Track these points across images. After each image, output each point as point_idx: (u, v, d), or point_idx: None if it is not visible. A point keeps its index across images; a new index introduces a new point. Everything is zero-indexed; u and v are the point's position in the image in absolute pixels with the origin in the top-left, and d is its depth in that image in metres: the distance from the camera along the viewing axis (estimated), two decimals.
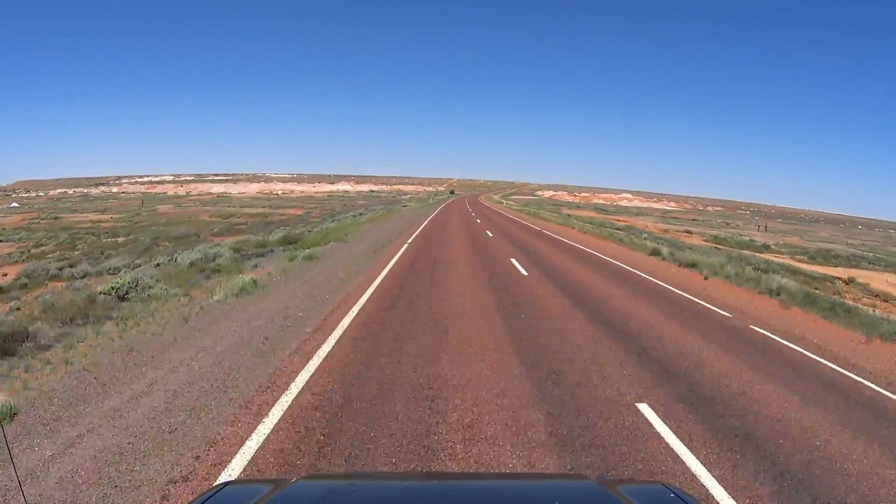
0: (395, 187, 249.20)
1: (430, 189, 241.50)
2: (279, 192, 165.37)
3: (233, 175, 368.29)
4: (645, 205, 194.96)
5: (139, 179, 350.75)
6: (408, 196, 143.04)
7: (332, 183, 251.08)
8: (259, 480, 3.09)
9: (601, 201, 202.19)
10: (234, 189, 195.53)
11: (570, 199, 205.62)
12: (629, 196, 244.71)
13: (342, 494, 1.59)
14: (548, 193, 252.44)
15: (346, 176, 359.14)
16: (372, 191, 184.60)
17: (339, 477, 2.81)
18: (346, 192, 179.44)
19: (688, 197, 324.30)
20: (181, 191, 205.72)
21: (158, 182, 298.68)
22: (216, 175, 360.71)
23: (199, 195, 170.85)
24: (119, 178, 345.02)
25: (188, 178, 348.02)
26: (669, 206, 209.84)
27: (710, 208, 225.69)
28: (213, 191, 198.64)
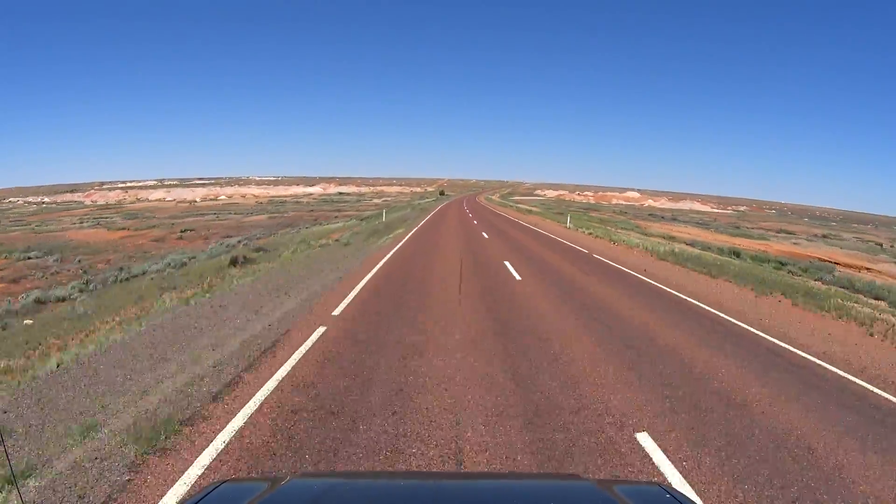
0: (379, 188, 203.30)
1: (418, 190, 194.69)
2: (197, 200, 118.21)
3: (215, 179, 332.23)
4: (678, 206, 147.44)
5: (120, 185, 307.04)
6: (380, 200, 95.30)
7: (310, 185, 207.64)
8: (255, 479, 2.88)
9: (621, 201, 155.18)
10: (175, 195, 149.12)
11: (580, 199, 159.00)
12: (638, 194, 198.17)
13: (337, 493, 1.50)
14: (550, 193, 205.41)
15: (329, 178, 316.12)
16: (341, 193, 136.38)
17: (334, 475, 2.60)
18: (311, 195, 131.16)
19: (710, 196, 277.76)
20: (127, 198, 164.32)
21: (138, 188, 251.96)
22: (200, 179, 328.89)
23: (116, 204, 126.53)
24: (102, 184, 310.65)
25: (172, 183, 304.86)
26: (695, 205, 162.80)
27: (738, 208, 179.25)
28: (151, 197, 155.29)
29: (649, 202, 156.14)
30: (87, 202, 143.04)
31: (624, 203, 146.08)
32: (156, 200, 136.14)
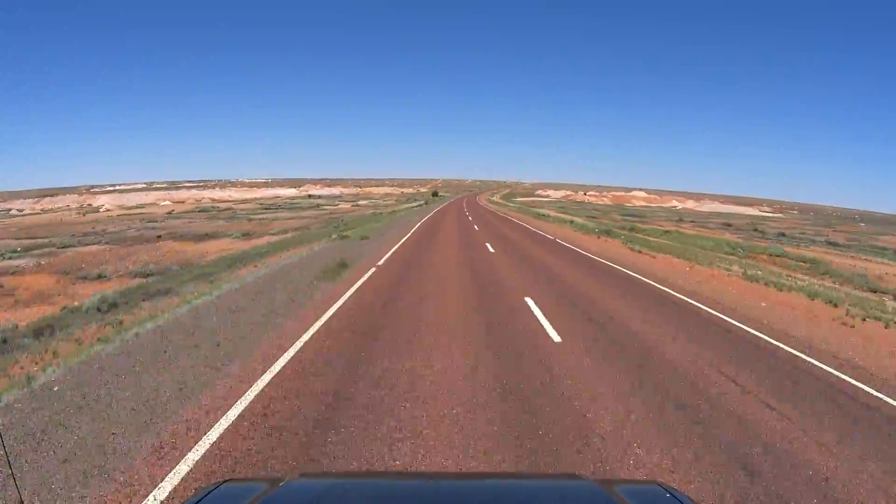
0: (367, 189, 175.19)
1: (410, 191, 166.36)
2: (102, 208, 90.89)
3: (204, 181, 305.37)
4: (709, 208, 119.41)
5: (109, 188, 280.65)
6: (349, 205, 67.09)
7: (296, 187, 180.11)
8: (256, 479, 2.68)
9: (641, 202, 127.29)
10: (122, 201, 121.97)
11: (592, 199, 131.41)
12: (645, 194, 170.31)
13: (337, 493, 1.43)
14: (554, 193, 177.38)
15: (319, 179, 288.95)
16: (311, 196, 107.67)
17: (335, 475, 2.47)
18: (278, 197, 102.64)
19: (720, 195, 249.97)
20: (71, 205, 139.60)
21: (117, 192, 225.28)
22: (189, 181, 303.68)
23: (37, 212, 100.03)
24: (91, 187, 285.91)
25: (161, 186, 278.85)
26: (716, 205, 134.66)
27: (762, 209, 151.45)
28: (95, 203, 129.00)
29: (673, 202, 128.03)
30: (14, 210, 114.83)
31: (650, 205, 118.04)
32: (96, 207, 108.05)
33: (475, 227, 24.27)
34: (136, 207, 77.29)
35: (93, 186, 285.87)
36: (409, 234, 19.79)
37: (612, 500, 1.31)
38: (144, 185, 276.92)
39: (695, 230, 44.77)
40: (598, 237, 20.61)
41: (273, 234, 23.30)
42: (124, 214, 58.77)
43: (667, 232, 32.82)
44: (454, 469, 3.12)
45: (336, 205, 67.85)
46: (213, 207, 62.57)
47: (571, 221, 29.22)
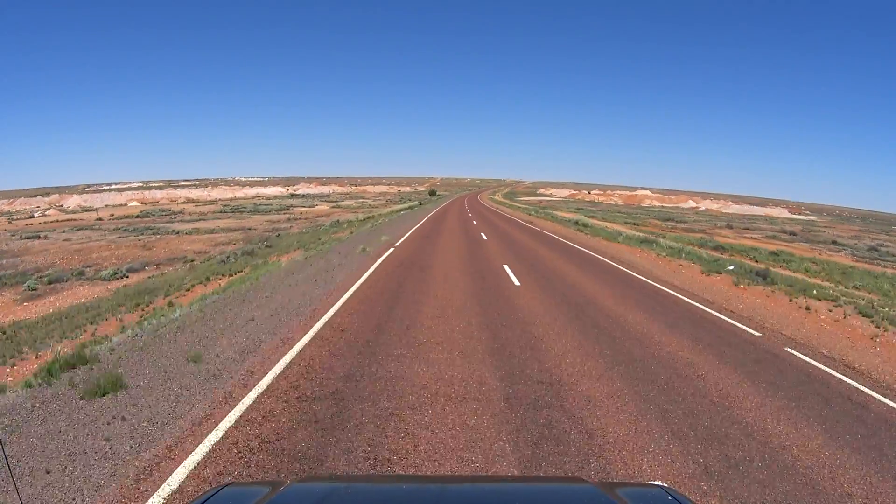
0: (362, 188, 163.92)
1: (407, 189, 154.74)
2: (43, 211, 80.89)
3: (201, 180, 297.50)
4: (740, 209, 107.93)
5: (106, 187, 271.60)
6: (328, 206, 55.78)
7: (291, 185, 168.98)
8: (257, 482, 2.68)
9: (655, 203, 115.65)
10: (90, 202, 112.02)
11: (600, 198, 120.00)
12: (650, 193, 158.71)
13: (339, 497, 1.39)
14: (557, 192, 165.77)
15: (316, 178, 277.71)
16: (293, 195, 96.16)
17: (336, 479, 2.40)
18: (260, 196, 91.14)
19: (731, 195, 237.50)
20: (42, 206, 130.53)
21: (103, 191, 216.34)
22: (187, 180, 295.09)
23: None
24: (89, 186, 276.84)
25: (157, 185, 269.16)
26: (741, 206, 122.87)
27: (777, 209, 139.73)
28: (65, 204, 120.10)
29: (690, 202, 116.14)
30: None
31: (666, 206, 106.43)
32: (30, 212, 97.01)
33: (505, 267, 11.38)
34: (83, 211, 65.67)
35: (90, 185, 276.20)
36: (323, 321, 6.51)
37: (614, 503, 1.27)
38: (141, 184, 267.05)
39: (773, 244, 33.30)
40: (776, 297, 8.88)
41: (105, 280, 12.05)
42: (52, 222, 47.17)
43: (774, 254, 21.30)
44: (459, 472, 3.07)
45: (313, 205, 56.27)
46: (158, 211, 50.76)
47: (653, 242, 17.36)
